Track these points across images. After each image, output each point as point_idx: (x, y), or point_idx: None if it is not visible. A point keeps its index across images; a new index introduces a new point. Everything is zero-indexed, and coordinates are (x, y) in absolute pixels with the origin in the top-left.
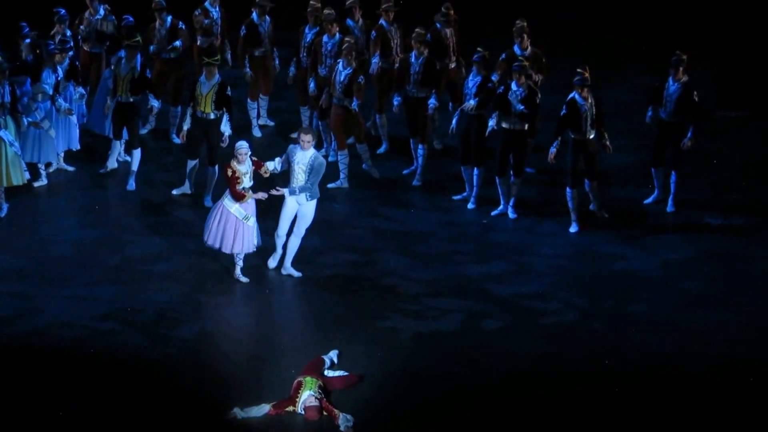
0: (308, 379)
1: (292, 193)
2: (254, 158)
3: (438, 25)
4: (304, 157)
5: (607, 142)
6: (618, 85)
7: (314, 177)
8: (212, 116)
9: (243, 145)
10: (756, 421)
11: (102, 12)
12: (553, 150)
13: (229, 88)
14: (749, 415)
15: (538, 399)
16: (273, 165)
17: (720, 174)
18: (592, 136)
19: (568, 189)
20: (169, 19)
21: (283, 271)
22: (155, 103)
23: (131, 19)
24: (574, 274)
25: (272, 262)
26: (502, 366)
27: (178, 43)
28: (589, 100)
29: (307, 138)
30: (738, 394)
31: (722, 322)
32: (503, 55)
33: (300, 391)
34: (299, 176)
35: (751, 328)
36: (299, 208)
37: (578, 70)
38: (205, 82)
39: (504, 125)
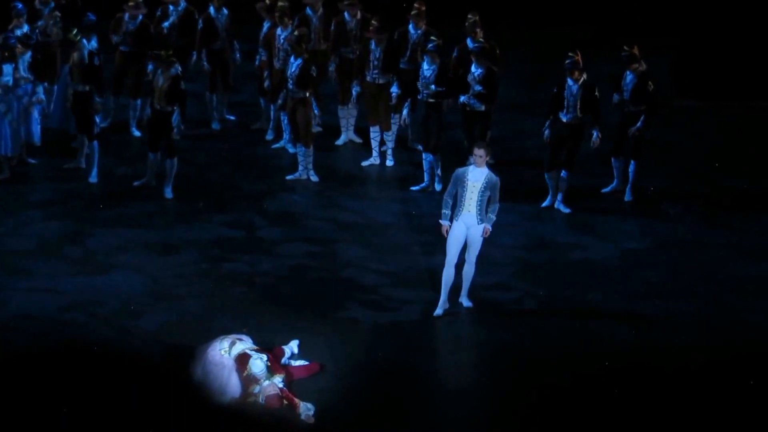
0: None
1: (469, 219)
2: (270, 354)
3: (411, 24)
4: (479, 174)
5: (596, 135)
6: None
7: (494, 198)
8: (168, 109)
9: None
10: (713, 409)
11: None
12: (546, 132)
13: (182, 82)
14: (706, 403)
15: (498, 388)
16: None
17: (678, 163)
18: (575, 121)
19: (545, 173)
20: (140, 17)
21: (460, 299)
22: (98, 99)
23: (93, 17)
24: (532, 264)
25: (439, 311)
26: (461, 356)
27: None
28: (580, 82)
29: (480, 153)
30: (695, 382)
31: (680, 310)
32: (456, 51)
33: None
34: (472, 197)
35: (708, 316)
36: (469, 232)
37: (569, 53)
38: (161, 74)
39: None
